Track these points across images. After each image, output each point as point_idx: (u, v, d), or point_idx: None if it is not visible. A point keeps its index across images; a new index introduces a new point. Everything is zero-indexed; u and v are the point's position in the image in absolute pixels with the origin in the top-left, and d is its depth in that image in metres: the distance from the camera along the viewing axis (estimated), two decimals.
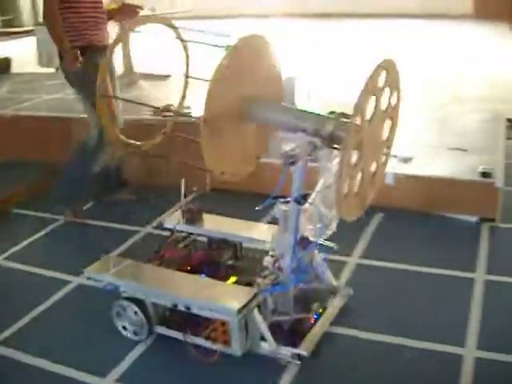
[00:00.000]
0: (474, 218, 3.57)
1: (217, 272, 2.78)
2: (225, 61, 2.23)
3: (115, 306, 2.64)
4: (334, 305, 2.71)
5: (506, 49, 8.56)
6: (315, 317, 2.64)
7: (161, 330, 2.62)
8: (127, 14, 3.82)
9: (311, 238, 2.36)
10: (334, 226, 2.36)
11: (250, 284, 2.56)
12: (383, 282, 3.03)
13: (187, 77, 2.79)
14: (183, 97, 2.84)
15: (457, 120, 5.00)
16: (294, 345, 2.46)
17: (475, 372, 2.32)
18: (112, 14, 3.82)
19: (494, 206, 3.50)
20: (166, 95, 5.41)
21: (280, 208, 2.44)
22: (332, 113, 2.33)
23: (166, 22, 2.66)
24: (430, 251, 3.26)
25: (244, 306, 2.37)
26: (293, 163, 2.20)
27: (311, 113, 2.34)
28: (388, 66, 2.16)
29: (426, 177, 3.73)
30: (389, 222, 3.63)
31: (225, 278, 2.72)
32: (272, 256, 2.56)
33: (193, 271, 2.78)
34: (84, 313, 2.95)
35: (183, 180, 2.92)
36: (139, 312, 2.58)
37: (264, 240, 2.72)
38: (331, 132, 2.21)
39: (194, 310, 2.47)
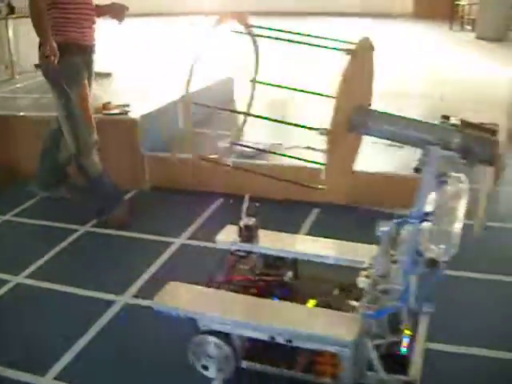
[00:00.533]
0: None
1: (289, 294, 2.55)
2: (350, 68, 2.00)
3: (193, 343, 2.33)
4: (422, 324, 2.56)
5: (445, 47, 8.94)
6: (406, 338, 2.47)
7: (248, 364, 2.34)
8: (117, 13, 3.69)
9: (438, 259, 2.17)
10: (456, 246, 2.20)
11: (329, 306, 2.40)
12: None
13: (254, 82, 2.50)
14: (250, 103, 2.55)
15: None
16: (398, 372, 2.29)
17: None
18: (101, 12, 3.65)
19: None
20: (109, 93, 5.29)
21: (385, 227, 2.25)
22: (445, 117, 2.16)
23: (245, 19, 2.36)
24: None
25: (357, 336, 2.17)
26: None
27: (428, 123, 2.16)
28: None
29: (362, 172, 3.69)
30: (325, 217, 3.74)
31: (302, 301, 2.49)
32: (367, 277, 2.37)
33: (261, 294, 2.52)
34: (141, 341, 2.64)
35: (247, 195, 2.63)
36: (225, 347, 2.28)
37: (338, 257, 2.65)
38: (462, 145, 2.04)
39: (297, 343, 2.22)
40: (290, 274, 2.70)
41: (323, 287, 2.64)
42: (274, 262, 2.74)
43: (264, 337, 2.27)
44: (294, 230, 3.49)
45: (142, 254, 3.47)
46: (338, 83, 1.98)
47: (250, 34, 2.42)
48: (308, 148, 4.20)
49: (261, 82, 2.47)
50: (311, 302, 2.50)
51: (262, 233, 2.77)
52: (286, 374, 2.29)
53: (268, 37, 2.32)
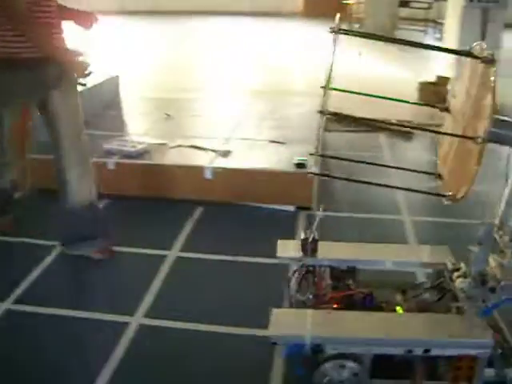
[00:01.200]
0: (291, 208, 3.79)
1: (374, 304, 2.50)
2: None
3: (320, 371, 2.18)
4: None
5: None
6: None
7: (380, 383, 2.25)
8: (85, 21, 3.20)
9: None
10: None
11: (426, 310, 2.42)
12: (199, 273, 3.18)
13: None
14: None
15: (278, 113, 5.32)
16: None
17: None
18: (69, 16, 3.13)
19: (309, 195, 3.76)
20: None
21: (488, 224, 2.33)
22: None
23: None
24: (248, 242, 3.41)
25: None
26: None
27: None
28: None
29: (244, 169, 3.87)
30: (208, 216, 3.78)
31: (392, 310, 2.47)
32: (464, 276, 2.43)
33: (349, 308, 2.44)
34: None
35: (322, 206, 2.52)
36: (359, 368, 2.17)
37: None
38: None
39: (435, 352, 2.20)
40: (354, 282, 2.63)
41: (387, 292, 2.61)
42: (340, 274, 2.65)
43: (401, 351, 2.19)
44: (177, 228, 3.59)
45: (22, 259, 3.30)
46: (487, 95, 1.98)
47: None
48: (192, 147, 4.21)
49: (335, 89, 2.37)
50: (398, 309, 2.47)
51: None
52: None
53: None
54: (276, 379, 2.37)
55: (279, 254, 2.65)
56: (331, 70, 2.40)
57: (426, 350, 2.20)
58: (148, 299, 2.89)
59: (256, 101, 5.82)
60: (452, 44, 6.97)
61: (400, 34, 11.20)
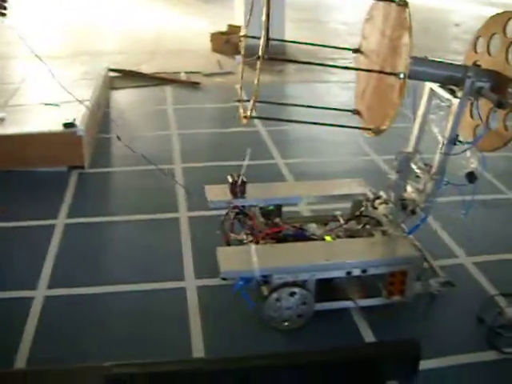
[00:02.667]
0: (64, 168, 3.87)
1: (305, 235, 2.67)
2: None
3: (271, 300, 2.35)
4: None
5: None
6: None
7: (322, 306, 2.45)
8: None
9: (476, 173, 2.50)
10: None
11: (352, 236, 2.66)
12: None
13: None
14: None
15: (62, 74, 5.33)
16: None
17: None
18: None
19: (80, 154, 3.82)
20: None
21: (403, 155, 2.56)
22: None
23: None
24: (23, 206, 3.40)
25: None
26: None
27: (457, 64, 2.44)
28: None
29: (16, 134, 3.85)
30: None
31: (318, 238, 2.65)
32: (386, 203, 2.68)
33: (284, 242, 2.59)
34: None
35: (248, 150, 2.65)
36: (305, 293, 2.36)
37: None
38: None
39: (372, 271, 2.43)
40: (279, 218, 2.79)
41: (313, 226, 2.78)
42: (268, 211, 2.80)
43: (341, 274, 2.40)
44: None
45: None
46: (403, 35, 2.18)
47: None
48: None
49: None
50: (327, 238, 2.64)
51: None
52: (359, 304, 2.46)
53: None
54: (195, 327, 2.45)
55: (210, 198, 2.77)
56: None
57: (364, 271, 2.41)
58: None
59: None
60: None
61: None
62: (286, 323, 2.39)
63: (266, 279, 2.35)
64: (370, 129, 2.44)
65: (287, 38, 5.41)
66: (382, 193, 2.77)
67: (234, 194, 2.73)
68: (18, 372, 2.12)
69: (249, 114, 2.24)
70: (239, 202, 2.71)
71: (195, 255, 2.89)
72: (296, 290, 2.34)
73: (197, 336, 2.36)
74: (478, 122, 2.49)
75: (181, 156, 4.13)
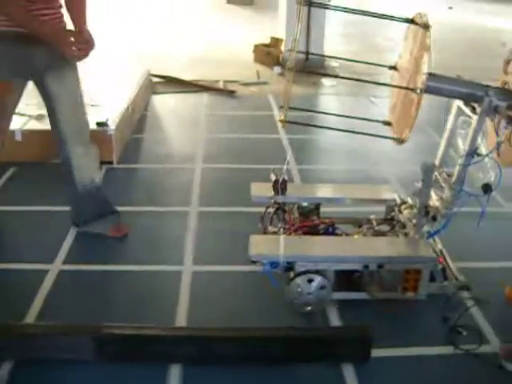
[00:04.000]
0: None
1: (335, 232, 2.95)
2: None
3: (296, 283, 2.62)
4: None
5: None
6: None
7: (341, 295, 2.72)
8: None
9: (492, 184, 2.69)
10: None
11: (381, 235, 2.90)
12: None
13: None
14: None
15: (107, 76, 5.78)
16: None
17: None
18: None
19: (110, 151, 4.19)
20: None
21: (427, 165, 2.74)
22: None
23: None
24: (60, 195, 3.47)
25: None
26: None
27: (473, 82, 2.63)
28: None
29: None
30: (22, 174, 4.03)
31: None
32: (410, 208, 2.93)
33: (313, 235, 2.88)
34: None
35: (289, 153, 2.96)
36: (325, 282, 2.63)
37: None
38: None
39: (387, 267, 2.67)
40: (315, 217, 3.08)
41: (347, 226, 3.07)
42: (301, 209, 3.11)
43: (359, 267, 2.66)
44: None
45: None
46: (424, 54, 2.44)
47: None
48: None
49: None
50: (356, 236, 2.93)
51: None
52: (376, 296, 2.70)
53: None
54: (183, 303, 2.74)
55: (254, 193, 3.09)
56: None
57: (380, 266, 2.66)
58: None
59: None
60: None
61: None
62: (309, 307, 2.67)
63: (290, 265, 2.62)
64: (394, 138, 2.69)
65: (331, 52, 5.68)
66: (408, 199, 3.00)
67: (275, 190, 3.01)
68: (6, 326, 2.37)
69: (283, 118, 2.56)
70: (279, 199, 3.01)
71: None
72: (315, 277, 2.61)
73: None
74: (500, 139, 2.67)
75: (202, 157, 4.51)
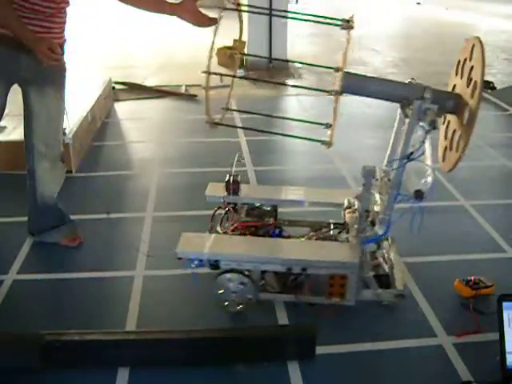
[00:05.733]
0: None
1: (281, 235, 2.95)
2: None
3: (220, 281, 2.66)
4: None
5: None
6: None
7: (265, 296, 2.75)
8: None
9: (424, 191, 2.54)
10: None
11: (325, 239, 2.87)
12: None
13: None
14: None
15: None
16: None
17: None
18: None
19: (68, 160, 3.94)
20: None
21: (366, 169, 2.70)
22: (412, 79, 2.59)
23: None
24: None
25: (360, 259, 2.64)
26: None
27: (402, 82, 2.57)
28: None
29: (13, 141, 4.15)
30: None
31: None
32: (353, 212, 2.88)
33: (263, 235, 2.90)
34: None
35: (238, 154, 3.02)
36: (248, 282, 2.65)
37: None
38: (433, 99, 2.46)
39: (310, 271, 2.65)
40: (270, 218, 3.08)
41: (302, 229, 3.10)
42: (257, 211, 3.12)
43: (282, 269, 2.65)
44: None
45: None
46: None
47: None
48: None
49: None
50: (302, 239, 2.91)
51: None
52: (300, 300, 2.71)
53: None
54: (133, 307, 2.78)
55: (208, 193, 3.13)
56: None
57: (303, 269, 2.64)
58: None
59: None
60: None
61: None
62: (226, 303, 2.69)
63: (216, 264, 2.65)
64: (322, 141, 2.66)
65: (296, 52, 5.45)
66: (356, 202, 2.92)
67: (228, 191, 3.04)
68: None
69: (214, 120, 2.59)
70: (230, 199, 3.04)
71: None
72: (237, 276, 2.63)
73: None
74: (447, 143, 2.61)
75: (160, 162, 4.56)
